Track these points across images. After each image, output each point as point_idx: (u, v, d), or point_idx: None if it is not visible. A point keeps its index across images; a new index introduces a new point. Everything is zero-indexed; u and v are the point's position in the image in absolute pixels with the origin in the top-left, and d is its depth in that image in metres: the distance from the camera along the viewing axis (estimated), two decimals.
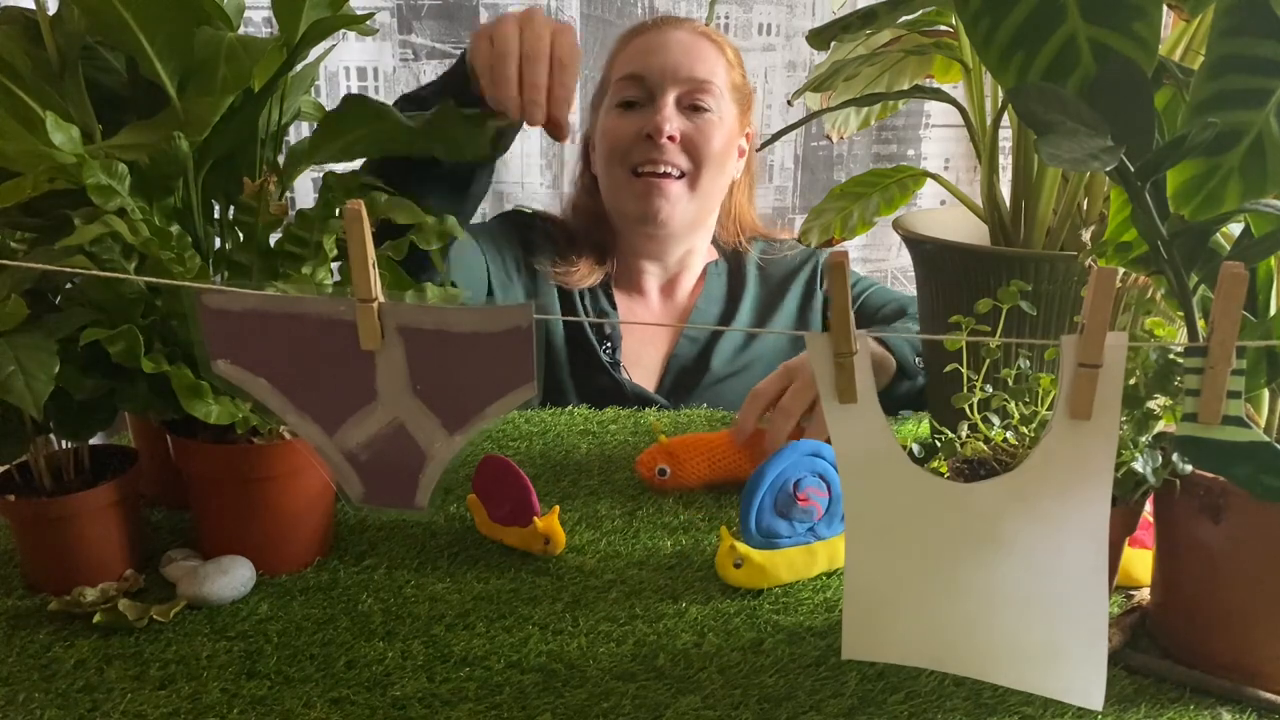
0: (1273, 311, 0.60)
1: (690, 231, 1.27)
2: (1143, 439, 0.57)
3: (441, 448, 0.49)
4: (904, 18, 0.81)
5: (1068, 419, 0.47)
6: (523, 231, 1.30)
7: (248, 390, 0.49)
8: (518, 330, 0.47)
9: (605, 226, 1.29)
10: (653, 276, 1.31)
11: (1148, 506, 0.62)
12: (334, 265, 0.70)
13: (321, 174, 0.76)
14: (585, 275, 1.26)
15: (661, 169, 1.19)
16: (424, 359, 0.48)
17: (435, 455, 0.50)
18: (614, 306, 1.28)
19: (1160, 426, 0.58)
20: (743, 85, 1.26)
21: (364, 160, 0.84)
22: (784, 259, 1.36)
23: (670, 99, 1.18)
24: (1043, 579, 0.50)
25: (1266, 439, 0.47)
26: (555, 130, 0.84)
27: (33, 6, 0.66)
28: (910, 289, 2.14)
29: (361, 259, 0.46)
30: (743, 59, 1.28)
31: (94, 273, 0.59)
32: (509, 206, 1.79)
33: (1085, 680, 0.50)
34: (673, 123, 1.17)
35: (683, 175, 1.20)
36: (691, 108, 1.19)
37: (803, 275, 1.36)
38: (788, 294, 1.34)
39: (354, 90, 1.71)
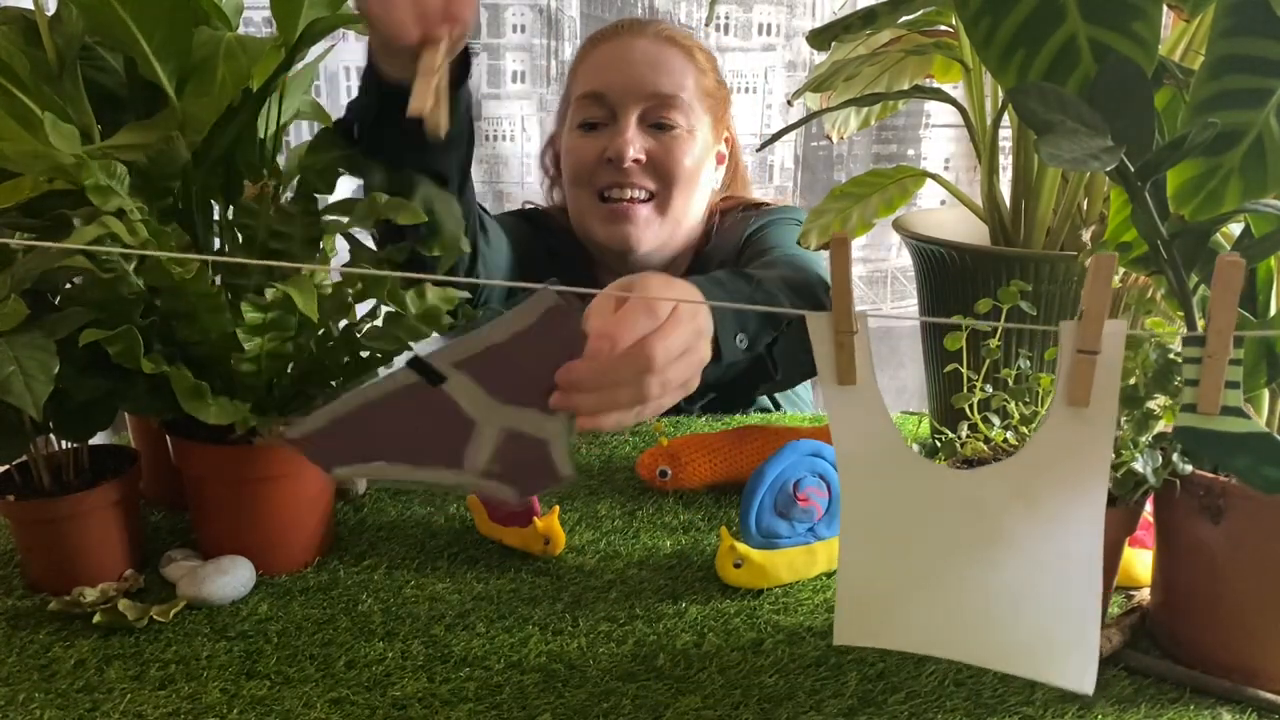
0: (1273, 311, 0.60)
1: (664, 252, 1.18)
2: (1143, 439, 0.57)
3: (552, 426, 0.53)
4: (904, 18, 0.81)
5: (1065, 406, 0.46)
6: (531, 231, 1.21)
7: (373, 475, 0.52)
8: (553, 310, 0.49)
9: (578, 251, 1.22)
10: None
11: (1148, 506, 0.62)
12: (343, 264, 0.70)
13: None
14: None
15: (628, 193, 1.12)
16: (491, 376, 0.51)
17: (551, 436, 0.53)
18: None
19: (1160, 427, 0.58)
20: (715, 90, 1.18)
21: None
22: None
23: (632, 119, 1.11)
24: (1038, 564, 0.50)
25: (1266, 430, 0.47)
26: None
27: (31, 7, 0.66)
28: (910, 289, 2.14)
29: None
30: (715, 61, 1.20)
31: (100, 260, 0.59)
32: (508, 207, 1.79)
33: (1077, 664, 0.50)
34: (636, 145, 1.10)
35: (651, 197, 1.13)
36: (657, 125, 1.12)
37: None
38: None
39: (354, 89, 1.71)
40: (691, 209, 1.17)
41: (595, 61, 1.15)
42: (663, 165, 1.12)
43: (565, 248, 1.22)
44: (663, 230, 1.15)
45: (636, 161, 1.11)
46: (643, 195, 1.13)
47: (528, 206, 1.35)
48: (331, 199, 0.72)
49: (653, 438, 0.97)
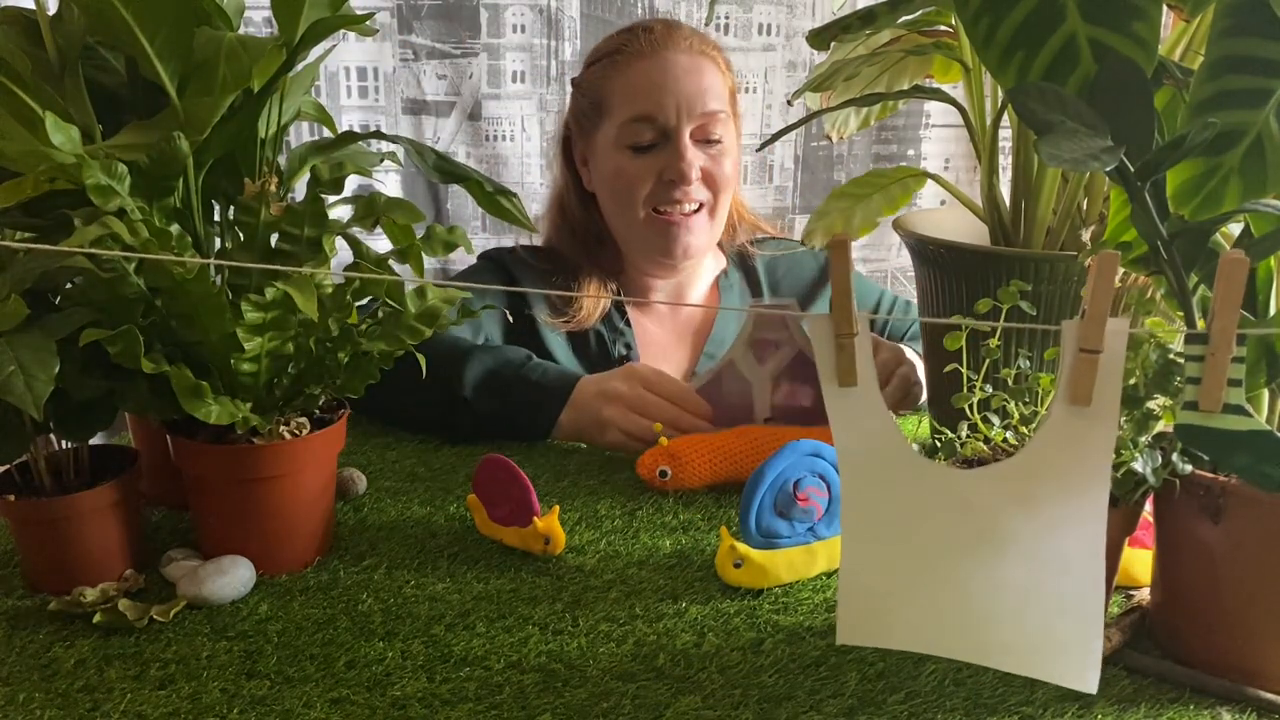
0: (1273, 311, 0.60)
1: (707, 252, 1.26)
2: (1143, 439, 0.57)
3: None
4: (904, 18, 0.81)
5: (1067, 405, 0.46)
6: (506, 278, 1.23)
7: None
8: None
9: (608, 246, 1.24)
10: (661, 293, 1.27)
11: (1148, 506, 0.62)
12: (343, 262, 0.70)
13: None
14: (591, 310, 1.20)
15: (685, 207, 1.17)
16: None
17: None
18: (629, 324, 1.23)
19: (1160, 427, 0.58)
20: (734, 90, 1.23)
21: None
22: (795, 259, 1.32)
23: (687, 137, 1.14)
24: (1040, 563, 0.50)
25: (1267, 428, 0.47)
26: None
27: (33, 6, 0.66)
28: (910, 289, 2.14)
29: None
30: (729, 59, 1.24)
31: (101, 260, 0.59)
32: None
33: (1080, 664, 0.50)
34: (695, 165, 1.14)
35: (701, 206, 1.18)
36: (705, 140, 1.16)
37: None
38: (813, 304, 1.31)
39: (354, 89, 1.71)
40: (729, 206, 1.24)
41: (638, 81, 1.15)
42: (714, 177, 1.17)
43: (549, 276, 1.24)
44: (713, 232, 1.22)
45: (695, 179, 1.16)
46: (696, 206, 1.18)
47: (493, 251, 1.32)
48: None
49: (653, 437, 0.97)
